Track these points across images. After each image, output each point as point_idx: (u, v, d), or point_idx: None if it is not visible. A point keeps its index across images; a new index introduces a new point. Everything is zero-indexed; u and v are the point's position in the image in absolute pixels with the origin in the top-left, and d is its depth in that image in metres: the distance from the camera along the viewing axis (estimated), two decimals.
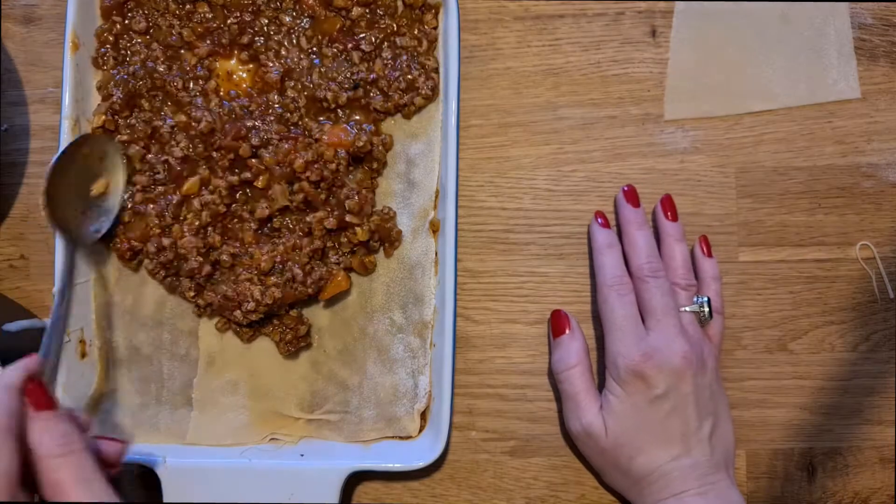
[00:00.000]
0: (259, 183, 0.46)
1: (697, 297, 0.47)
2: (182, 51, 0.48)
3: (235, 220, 0.47)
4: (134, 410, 0.47)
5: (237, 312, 0.45)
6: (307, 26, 0.48)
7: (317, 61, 0.48)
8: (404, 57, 0.48)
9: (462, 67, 0.48)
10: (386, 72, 0.47)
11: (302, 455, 0.47)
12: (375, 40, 0.48)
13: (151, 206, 0.46)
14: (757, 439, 0.50)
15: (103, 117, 0.46)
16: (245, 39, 0.47)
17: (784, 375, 0.50)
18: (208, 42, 0.47)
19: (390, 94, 0.47)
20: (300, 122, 0.47)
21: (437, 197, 0.48)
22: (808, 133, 0.51)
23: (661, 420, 0.44)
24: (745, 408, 0.50)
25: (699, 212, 0.51)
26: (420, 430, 0.47)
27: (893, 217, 0.51)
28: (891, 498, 0.50)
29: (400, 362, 0.48)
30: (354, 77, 0.47)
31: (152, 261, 0.46)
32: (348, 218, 0.46)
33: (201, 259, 0.46)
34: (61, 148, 0.45)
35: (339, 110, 0.48)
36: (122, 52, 0.48)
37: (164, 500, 0.45)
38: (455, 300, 0.46)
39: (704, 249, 0.49)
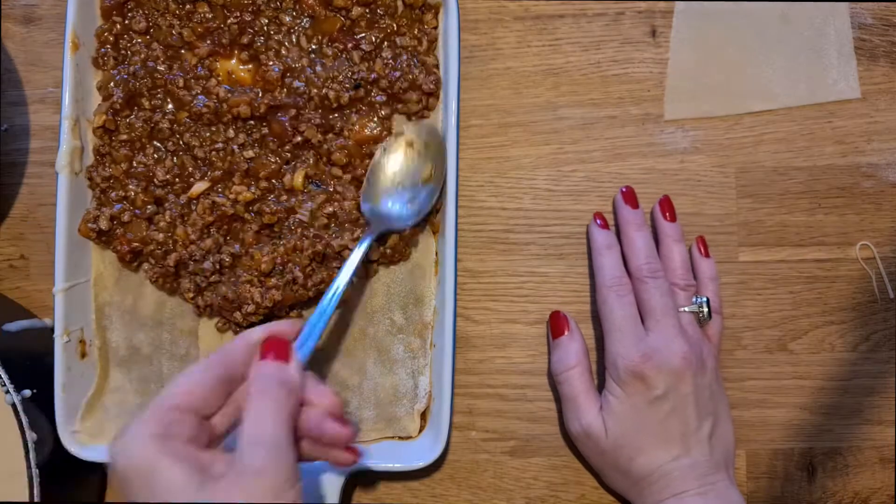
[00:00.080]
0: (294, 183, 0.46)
1: (696, 297, 0.47)
2: (182, 51, 0.48)
3: (237, 222, 0.47)
4: (134, 410, 0.47)
5: (237, 314, 0.45)
6: (307, 26, 0.48)
7: (318, 61, 0.48)
8: (404, 57, 0.48)
9: (462, 67, 0.48)
10: (387, 71, 0.47)
11: None
12: (375, 40, 0.48)
13: (151, 207, 0.46)
14: (757, 439, 0.50)
15: (104, 117, 0.46)
16: (245, 39, 0.47)
17: (784, 375, 0.50)
18: (208, 42, 0.47)
19: (396, 93, 0.48)
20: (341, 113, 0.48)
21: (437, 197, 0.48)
22: (808, 133, 0.51)
23: (661, 420, 0.44)
24: (745, 408, 0.50)
25: (699, 212, 0.51)
26: (420, 431, 0.47)
27: (893, 217, 0.51)
28: (891, 498, 0.50)
29: (400, 363, 0.48)
30: (355, 77, 0.47)
31: (153, 267, 0.46)
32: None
33: (209, 266, 0.46)
34: (61, 147, 0.45)
35: (340, 110, 0.48)
36: (123, 52, 0.48)
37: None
38: (455, 300, 0.46)
39: (702, 250, 0.49)
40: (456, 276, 0.46)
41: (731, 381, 0.50)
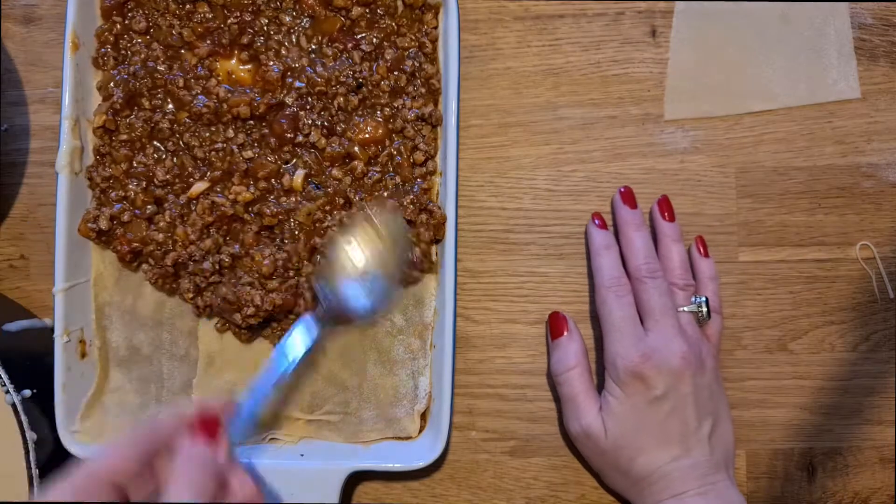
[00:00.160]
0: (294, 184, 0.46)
1: (695, 297, 0.47)
2: (182, 51, 0.48)
3: (236, 222, 0.47)
4: (134, 410, 0.47)
5: (236, 315, 0.45)
6: (307, 26, 0.48)
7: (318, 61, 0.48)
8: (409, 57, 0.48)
9: (462, 67, 0.48)
10: (388, 72, 0.47)
11: (302, 455, 0.47)
12: (376, 40, 0.48)
13: (151, 207, 0.46)
14: (757, 439, 0.50)
15: (104, 117, 0.46)
16: (245, 39, 0.47)
17: (784, 375, 0.50)
18: (208, 42, 0.47)
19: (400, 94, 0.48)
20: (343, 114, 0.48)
21: (437, 197, 0.48)
22: (808, 133, 0.51)
23: (661, 421, 0.44)
24: (745, 408, 0.50)
25: (699, 212, 0.51)
26: (420, 431, 0.47)
27: (893, 217, 0.51)
28: (891, 498, 0.50)
29: (400, 363, 0.48)
30: (356, 77, 0.47)
31: (152, 268, 0.46)
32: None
33: (209, 266, 0.46)
34: (61, 147, 0.45)
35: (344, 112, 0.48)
36: (123, 52, 0.48)
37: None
38: (455, 300, 0.46)
39: (701, 250, 0.49)
40: (456, 276, 0.46)
41: (731, 381, 0.50)
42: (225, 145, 0.47)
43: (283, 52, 0.48)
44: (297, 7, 0.48)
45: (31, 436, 0.41)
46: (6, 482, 0.41)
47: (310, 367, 0.48)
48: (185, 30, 0.47)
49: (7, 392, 0.41)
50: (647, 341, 0.44)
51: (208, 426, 0.36)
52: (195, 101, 0.47)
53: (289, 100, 0.47)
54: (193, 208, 0.47)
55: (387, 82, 0.47)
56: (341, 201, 0.47)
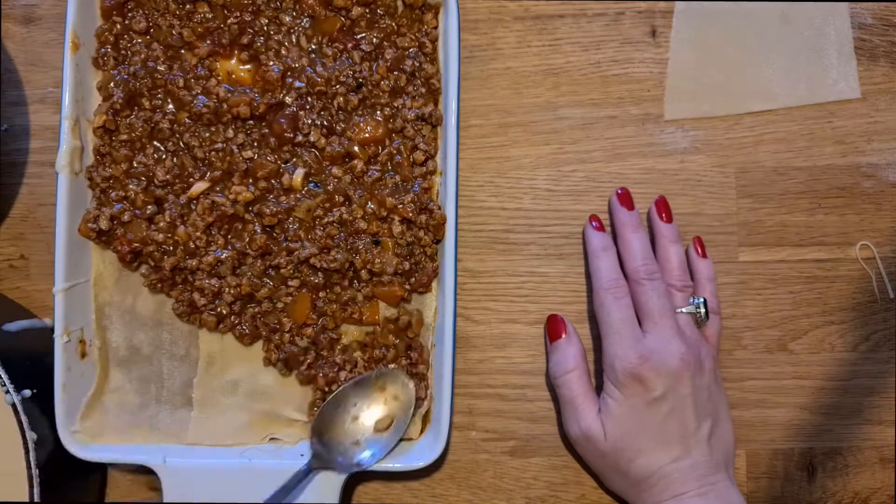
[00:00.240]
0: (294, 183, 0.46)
1: (693, 298, 0.47)
2: (182, 51, 0.48)
3: (237, 222, 0.47)
4: (134, 410, 0.47)
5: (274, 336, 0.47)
6: (307, 26, 0.48)
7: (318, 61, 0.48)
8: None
9: (462, 67, 0.48)
10: (388, 72, 0.47)
11: (302, 455, 0.46)
12: (376, 40, 0.48)
13: (151, 207, 0.46)
14: (757, 439, 0.50)
15: (104, 117, 0.46)
16: (245, 39, 0.47)
17: (784, 375, 0.50)
18: (208, 42, 0.47)
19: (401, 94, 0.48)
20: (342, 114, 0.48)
21: (437, 196, 0.48)
22: (808, 133, 0.51)
23: (660, 422, 0.43)
24: (745, 408, 0.50)
25: (699, 212, 0.51)
26: (421, 433, 0.47)
27: (893, 217, 0.51)
28: (891, 498, 0.50)
29: None
30: (356, 77, 0.47)
31: (150, 273, 0.46)
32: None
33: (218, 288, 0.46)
34: (61, 147, 0.45)
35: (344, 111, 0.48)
36: (123, 52, 0.48)
37: (164, 500, 0.45)
38: (455, 300, 0.46)
39: (699, 250, 0.49)
40: (456, 276, 0.46)
41: (731, 381, 0.50)
42: (225, 145, 0.47)
43: (283, 52, 0.48)
44: (297, 7, 0.48)
45: (31, 436, 0.41)
46: (6, 482, 0.41)
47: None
48: (185, 30, 0.47)
49: (7, 392, 0.41)
50: (646, 343, 0.44)
51: None
52: (195, 101, 0.47)
53: (289, 100, 0.47)
54: (193, 208, 0.47)
55: (387, 82, 0.47)
56: (341, 199, 0.47)
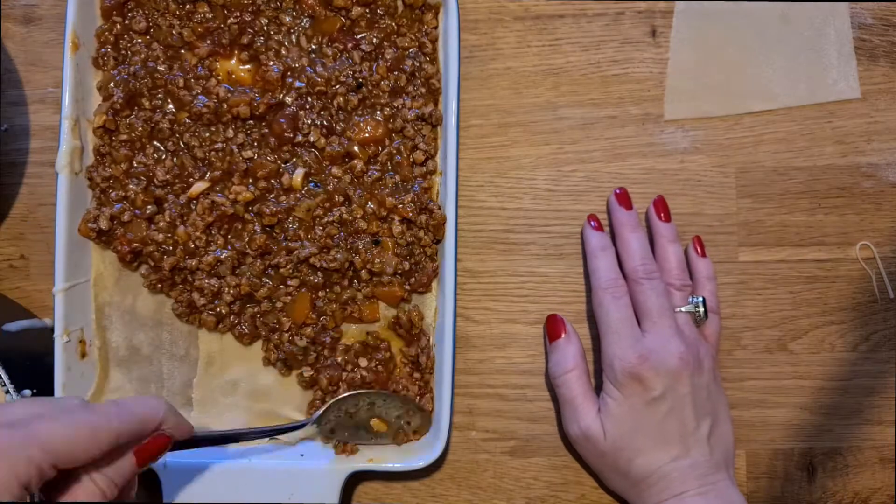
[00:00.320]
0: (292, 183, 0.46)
1: (692, 297, 0.47)
2: (182, 51, 0.48)
3: (237, 222, 0.47)
4: None
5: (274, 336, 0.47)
6: (307, 26, 0.48)
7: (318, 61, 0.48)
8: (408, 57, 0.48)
9: (462, 67, 0.48)
10: (388, 72, 0.47)
11: (302, 455, 0.47)
12: (376, 40, 0.48)
13: (151, 207, 0.46)
14: (757, 439, 0.50)
15: (104, 117, 0.46)
16: (245, 39, 0.48)
17: (784, 375, 0.50)
18: (208, 42, 0.47)
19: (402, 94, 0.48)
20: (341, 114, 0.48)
21: (437, 196, 0.48)
22: (808, 133, 0.51)
23: (659, 421, 0.43)
24: (745, 408, 0.50)
25: (699, 212, 0.51)
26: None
27: (893, 217, 0.51)
28: (891, 498, 0.50)
29: None
30: (356, 76, 0.47)
31: (149, 274, 0.46)
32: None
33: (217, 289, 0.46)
34: (61, 147, 0.45)
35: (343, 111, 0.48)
36: (123, 52, 0.48)
37: (164, 500, 0.45)
38: (455, 300, 0.46)
39: (698, 250, 0.49)
40: (456, 276, 0.46)
41: (731, 381, 0.50)
42: (225, 145, 0.47)
43: (283, 52, 0.48)
44: (297, 7, 0.48)
45: None
46: None
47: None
48: (185, 30, 0.47)
49: (7, 392, 0.41)
50: (645, 342, 0.44)
51: (153, 451, 0.36)
52: (195, 101, 0.47)
53: (289, 100, 0.47)
54: (193, 208, 0.47)
55: (387, 82, 0.48)
56: (341, 199, 0.47)
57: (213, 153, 0.47)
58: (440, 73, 0.48)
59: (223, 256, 0.46)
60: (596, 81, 0.51)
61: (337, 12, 0.48)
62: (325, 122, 0.47)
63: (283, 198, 0.47)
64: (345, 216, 0.47)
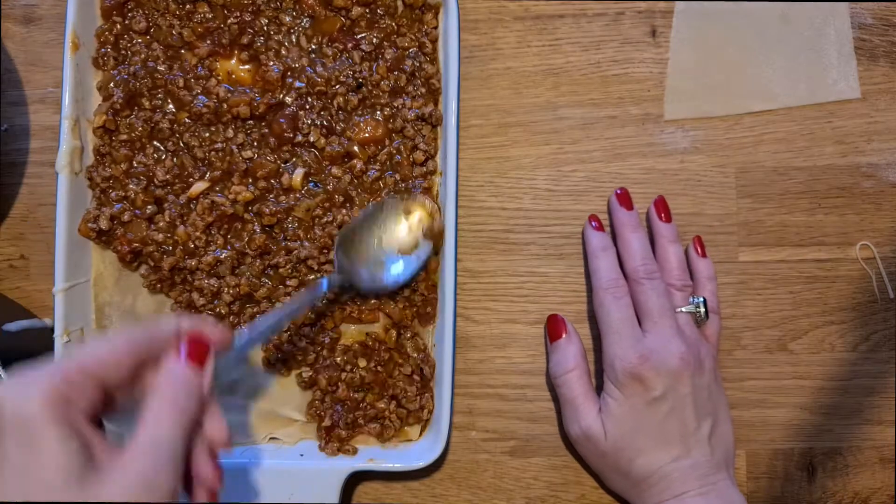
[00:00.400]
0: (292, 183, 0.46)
1: (693, 297, 0.47)
2: (182, 51, 0.48)
3: (236, 222, 0.47)
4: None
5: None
6: (307, 26, 0.48)
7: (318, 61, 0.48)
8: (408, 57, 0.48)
9: (462, 67, 0.48)
10: (388, 72, 0.47)
11: (302, 455, 0.47)
12: (376, 40, 0.48)
13: (151, 207, 0.46)
14: (757, 439, 0.50)
15: (104, 117, 0.46)
16: (245, 39, 0.48)
17: (784, 375, 0.50)
18: (208, 42, 0.47)
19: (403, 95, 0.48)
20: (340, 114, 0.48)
21: (436, 196, 0.48)
22: (808, 133, 0.51)
23: (660, 421, 0.43)
24: (745, 408, 0.50)
25: (699, 212, 0.51)
26: (421, 433, 0.47)
27: (893, 217, 0.51)
28: (891, 498, 0.50)
29: None
30: (356, 76, 0.47)
31: (149, 274, 0.46)
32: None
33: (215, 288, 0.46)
34: (61, 147, 0.45)
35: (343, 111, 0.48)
36: (123, 52, 0.48)
37: None
38: (455, 300, 0.46)
39: (699, 250, 0.49)
40: (456, 276, 0.46)
41: (731, 381, 0.50)
42: (225, 145, 0.47)
43: (283, 52, 0.48)
44: (297, 7, 0.48)
45: None
46: None
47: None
48: (185, 30, 0.47)
49: None
50: (646, 342, 0.44)
51: (198, 351, 0.34)
52: (195, 101, 0.47)
53: (289, 100, 0.47)
54: (193, 208, 0.47)
55: (387, 82, 0.48)
56: (341, 199, 0.47)
57: (213, 153, 0.47)
58: (440, 73, 0.48)
59: (223, 256, 0.46)
60: (596, 81, 0.51)
61: (337, 12, 0.48)
62: (325, 122, 0.47)
63: (282, 198, 0.47)
64: (346, 217, 0.46)
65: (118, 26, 0.47)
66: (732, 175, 0.51)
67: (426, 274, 0.47)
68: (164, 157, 0.47)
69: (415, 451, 0.46)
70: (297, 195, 0.47)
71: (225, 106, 0.46)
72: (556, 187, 0.51)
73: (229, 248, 0.46)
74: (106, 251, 0.47)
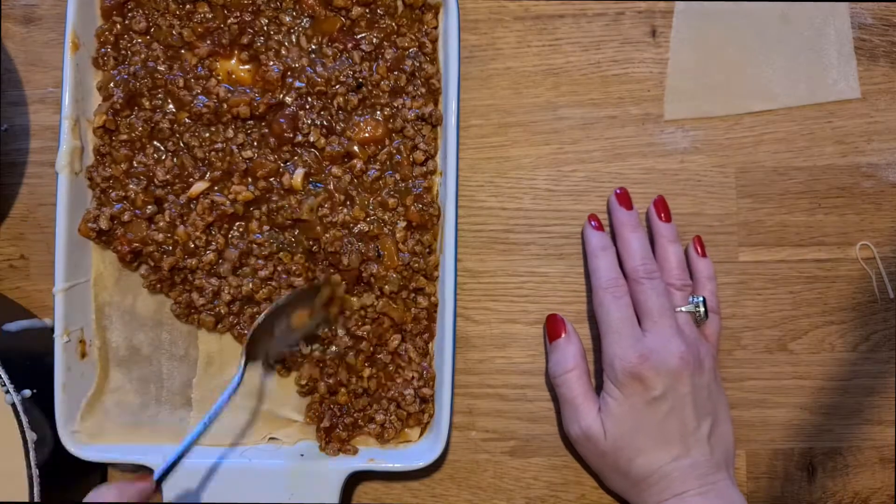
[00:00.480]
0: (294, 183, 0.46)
1: (693, 297, 0.47)
2: (182, 51, 0.48)
3: (237, 222, 0.47)
4: (134, 410, 0.47)
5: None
6: (307, 26, 0.48)
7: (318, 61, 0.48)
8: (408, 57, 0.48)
9: (462, 67, 0.48)
10: (388, 72, 0.47)
11: (302, 455, 0.47)
12: (376, 40, 0.48)
13: (151, 207, 0.46)
14: (757, 439, 0.50)
15: (104, 117, 0.46)
16: (245, 39, 0.48)
17: (784, 375, 0.50)
18: (208, 42, 0.47)
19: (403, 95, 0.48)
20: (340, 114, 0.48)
21: (437, 196, 0.48)
22: (808, 133, 0.51)
23: (660, 421, 0.43)
24: (745, 408, 0.50)
25: (699, 212, 0.51)
26: (421, 434, 0.47)
27: (893, 217, 0.51)
28: (891, 498, 0.50)
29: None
30: (356, 76, 0.47)
31: (149, 274, 0.46)
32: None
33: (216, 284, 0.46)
34: (61, 147, 0.45)
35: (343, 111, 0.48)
36: (123, 52, 0.48)
37: (164, 500, 0.45)
38: (455, 300, 0.46)
39: (699, 249, 0.49)
40: (456, 276, 0.46)
41: (731, 381, 0.50)
42: (225, 145, 0.47)
43: (283, 52, 0.48)
44: (297, 7, 0.48)
45: (31, 436, 0.41)
46: (6, 482, 0.41)
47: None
48: (185, 30, 0.47)
49: (7, 392, 0.41)
50: (645, 342, 0.44)
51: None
52: (195, 101, 0.47)
53: (289, 100, 0.47)
54: (193, 208, 0.47)
55: (387, 82, 0.48)
56: (342, 198, 0.47)
57: (213, 153, 0.47)
58: (440, 73, 0.48)
59: (225, 255, 0.46)
60: (596, 81, 0.51)
61: (337, 12, 0.48)
62: (325, 122, 0.47)
63: (283, 199, 0.47)
64: (346, 218, 0.46)
65: (118, 26, 0.47)
66: (732, 175, 0.51)
67: (426, 276, 0.47)
68: (164, 157, 0.47)
69: (415, 451, 0.46)
70: (299, 196, 0.47)
71: (225, 106, 0.46)
72: (556, 187, 0.51)
73: (231, 248, 0.46)
74: (106, 251, 0.47)
